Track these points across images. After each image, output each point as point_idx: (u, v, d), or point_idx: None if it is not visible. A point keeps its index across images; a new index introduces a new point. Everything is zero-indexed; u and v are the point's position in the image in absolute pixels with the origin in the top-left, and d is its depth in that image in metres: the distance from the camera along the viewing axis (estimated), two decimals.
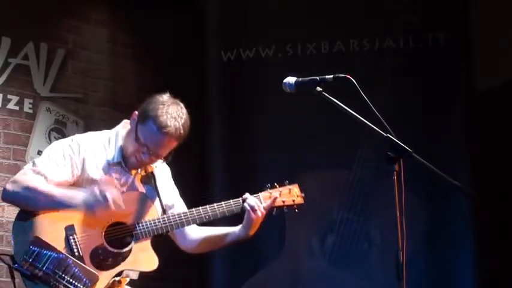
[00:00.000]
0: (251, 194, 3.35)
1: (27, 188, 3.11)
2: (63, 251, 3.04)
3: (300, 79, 3.11)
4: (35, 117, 5.29)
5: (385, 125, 2.86)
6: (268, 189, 3.38)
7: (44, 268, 3.00)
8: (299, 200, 3.42)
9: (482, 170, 5.25)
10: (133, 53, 5.76)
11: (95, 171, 3.22)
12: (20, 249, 3.03)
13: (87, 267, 3.04)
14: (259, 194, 3.35)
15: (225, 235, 3.40)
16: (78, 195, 3.11)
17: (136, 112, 3.24)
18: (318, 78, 3.03)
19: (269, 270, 5.32)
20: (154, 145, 3.17)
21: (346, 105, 2.95)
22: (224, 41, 5.71)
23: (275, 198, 3.33)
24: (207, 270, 5.46)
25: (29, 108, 5.27)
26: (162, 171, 3.43)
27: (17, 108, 5.22)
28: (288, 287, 5.31)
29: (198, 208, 3.28)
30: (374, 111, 2.87)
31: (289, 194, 3.40)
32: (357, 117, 2.91)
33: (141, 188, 3.30)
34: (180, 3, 5.90)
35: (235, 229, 3.38)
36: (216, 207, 3.29)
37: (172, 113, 3.16)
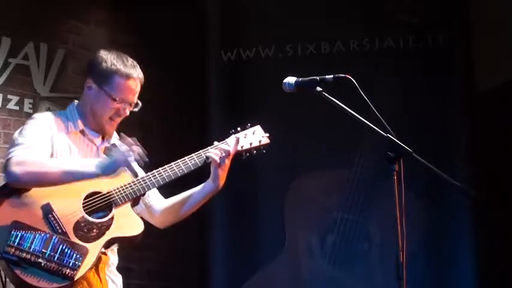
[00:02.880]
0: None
1: (39, 166, 3.06)
2: (46, 230, 2.98)
3: (300, 79, 3.11)
4: None
5: (385, 125, 2.85)
6: (233, 134, 3.39)
7: (31, 250, 2.93)
8: (265, 140, 3.45)
9: (482, 170, 5.25)
10: (134, 53, 5.74)
11: (63, 141, 3.22)
12: (2, 237, 2.94)
13: (75, 241, 2.99)
14: (225, 140, 3.36)
15: (196, 193, 3.38)
16: (90, 162, 3.11)
17: (89, 80, 3.28)
18: (318, 78, 3.03)
19: (269, 270, 5.33)
20: (131, 94, 3.26)
21: (346, 105, 2.95)
22: (224, 41, 5.71)
23: (238, 140, 3.35)
24: (207, 271, 5.47)
25: (29, 108, 5.27)
26: (122, 147, 3.42)
27: (17, 108, 5.22)
28: (288, 287, 5.32)
29: (169, 164, 3.26)
30: (374, 111, 2.87)
31: (254, 135, 3.43)
32: (357, 117, 2.91)
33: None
34: (180, 3, 5.90)
35: (201, 186, 3.37)
36: (187, 159, 3.28)
37: (125, 60, 3.30)
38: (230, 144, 3.33)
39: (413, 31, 5.49)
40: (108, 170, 3.09)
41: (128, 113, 3.28)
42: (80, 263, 2.97)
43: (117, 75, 3.24)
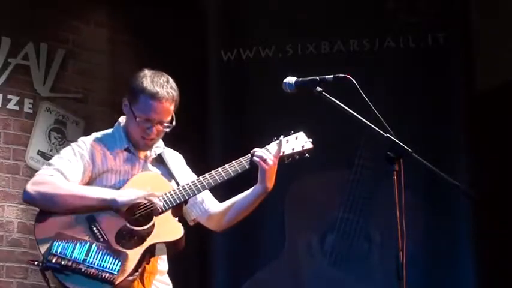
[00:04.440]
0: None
1: (51, 187, 3.12)
2: (88, 239, 3.06)
3: (300, 79, 3.11)
4: (35, 117, 5.29)
5: (385, 125, 2.85)
6: (275, 141, 3.36)
7: (72, 257, 3.01)
8: (308, 145, 3.40)
9: (482, 170, 5.25)
10: (133, 53, 5.77)
11: (107, 162, 3.25)
12: (45, 248, 3.03)
13: (115, 248, 3.05)
14: (266, 146, 3.34)
15: (245, 197, 3.38)
16: (108, 192, 3.13)
17: (125, 98, 3.30)
18: (318, 78, 3.03)
19: (269, 270, 5.33)
20: (155, 114, 3.21)
21: (346, 105, 2.95)
22: (224, 41, 5.71)
23: (281, 144, 3.32)
24: (207, 270, 5.47)
25: (29, 108, 5.27)
26: (173, 156, 3.45)
27: (17, 108, 5.22)
28: (288, 287, 5.32)
29: (210, 172, 3.28)
30: (374, 111, 2.87)
31: (297, 141, 3.39)
32: (357, 117, 2.91)
33: (156, 170, 3.34)
34: (180, 3, 5.90)
35: (251, 189, 3.37)
36: (227, 166, 3.29)
37: (158, 81, 3.26)
38: (271, 149, 3.31)
39: (413, 31, 5.49)
40: (121, 201, 3.10)
41: (155, 131, 3.24)
42: (119, 268, 3.02)
43: (143, 94, 3.21)
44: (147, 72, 3.31)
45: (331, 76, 3.00)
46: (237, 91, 5.60)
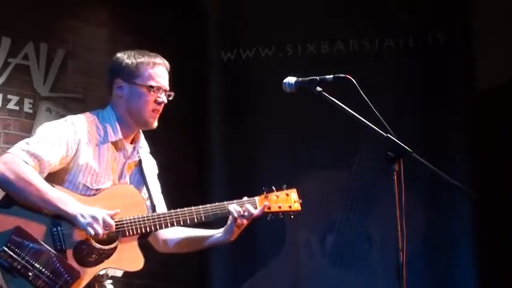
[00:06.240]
0: (248, 196, 3.28)
1: (21, 178, 2.94)
2: (46, 244, 2.90)
3: (300, 79, 3.10)
4: (35, 117, 5.29)
5: (385, 125, 2.85)
6: (265, 193, 3.27)
7: (23, 261, 2.85)
8: (296, 207, 3.31)
9: (482, 170, 5.25)
10: None
11: (90, 154, 3.11)
12: (0, 239, 2.87)
13: (70, 263, 2.91)
14: (255, 198, 3.27)
15: (205, 238, 3.31)
16: (72, 205, 2.97)
17: (118, 80, 3.21)
18: (318, 78, 3.03)
19: (269, 270, 5.33)
20: (162, 79, 3.23)
21: (346, 105, 2.95)
22: (224, 41, 5.71)
23: (269, 207, 3.25)
24: (207, 270, 5.47)
25: (29, 108, 5.27)
26: (150, 163, 3.36)
27: (17, 108, 5.22)
28: (288, 287, 5.31)
29: (190, 208, 3.17)
30: (374, 111, 2.87)
31: (286, 200, 3.29)
32: (357, 117, 2.91)
33: (127, 178, 3.22)
34: (180, 3, 5.90)
35: (215, 233, 3.29)
36: (209, 208, 3.19)
37: (145, 53, 3.27)
38: (258, 207, 3.24)
39: (413, 31, 5.49)
40: (81, 223, 2.94)
41: (165, 99, 3.22)
42: (67, 287, 2.89)
43: (144, 65, 3.20)
44: (128, 51, 3.27)
45: (331, 76, 3.00)
46: (237, 91, 5.60)
